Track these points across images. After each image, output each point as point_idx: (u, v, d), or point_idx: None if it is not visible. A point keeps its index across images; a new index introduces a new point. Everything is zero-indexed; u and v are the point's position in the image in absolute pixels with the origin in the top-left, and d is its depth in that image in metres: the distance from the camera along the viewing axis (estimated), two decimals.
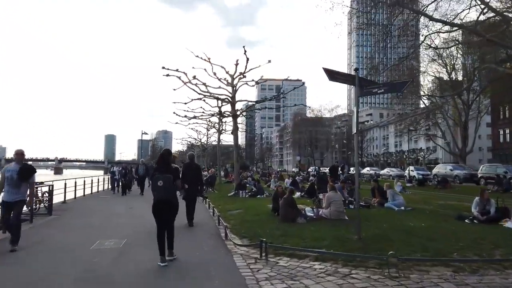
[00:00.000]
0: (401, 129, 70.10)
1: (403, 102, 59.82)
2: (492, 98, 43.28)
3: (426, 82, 43.14)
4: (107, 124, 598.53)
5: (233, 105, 18.17)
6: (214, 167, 49.43)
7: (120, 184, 18.46)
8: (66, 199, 15.61)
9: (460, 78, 39.86)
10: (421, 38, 22.68)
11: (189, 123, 27.48)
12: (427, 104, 45.18)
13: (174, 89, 18.91)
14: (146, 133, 35.29)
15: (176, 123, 26.68)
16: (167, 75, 16.91)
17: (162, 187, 5.39)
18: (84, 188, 18.68)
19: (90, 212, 12.15)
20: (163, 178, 5.43)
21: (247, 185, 19.19)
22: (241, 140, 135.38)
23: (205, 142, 40.01)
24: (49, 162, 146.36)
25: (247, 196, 16.66)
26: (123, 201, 15.27)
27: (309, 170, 66.43)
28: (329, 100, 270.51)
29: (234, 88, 18.09)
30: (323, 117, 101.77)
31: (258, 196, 16.50)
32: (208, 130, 31.44)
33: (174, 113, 19.43)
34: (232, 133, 19.09)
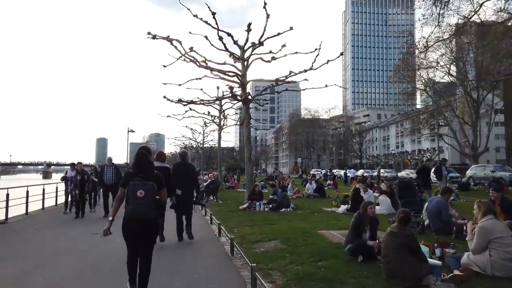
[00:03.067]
0: (409, 128, 66.65)
1: (407, 102, 56.99)
2: (506, 95, 40.25)
3: (434, 77, 41.30)
4: (99, 128, 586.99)
5: (243, 87, 13.45)
6: (209, 170, 44.60)
7: (74, 199, 11.29)
8: (10, 216, 10.88)
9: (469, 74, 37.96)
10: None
11: (183, 117, 22.75)
12: (430, 103, 43.11)
13: (165, 66, 14.06)
14: (133, 131, 30.46)
15: (168, 116, 21.94)
16: (154, 37, 12.13)
17: (143, 200, 3.70)
18: (43, 199, 13.81)
19: (23, 246, 7.34)
20: (145, 187, 3.76)
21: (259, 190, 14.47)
22: (235, 142, 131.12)
23: (201, 142, 35.07)
24: (39, 166, 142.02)
25: (267, 209, 11.95)
26: (77, 229, 9.11)
27: (312, 172, 62.01)
28: (326, 101, 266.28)
29: (246, 63, 13.40)
30: (320, 118, 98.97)
31: (283, 209, 11.79)
32: (206, 126, 26.66)
33: (164, 97, 14.54)
34: (241, 124, 14.35)
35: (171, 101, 14.51)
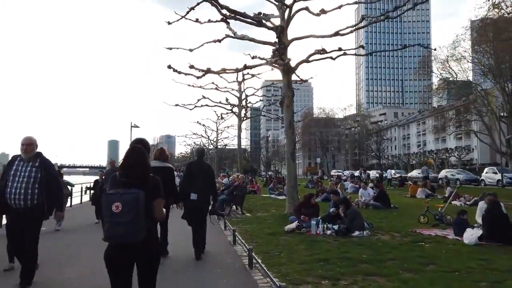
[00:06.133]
0: (438, 125, 62.06)
1: (436, 96, 53.32)
2: None
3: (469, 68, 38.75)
4: (111, 130, 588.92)
5: (282, 49, 9.11)
6: (220, 171, 40.41)
7: None
8: None
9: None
10: None
11: (194, 106, 18.59)
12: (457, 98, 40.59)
13: (170, 23, 9.79)
14: (138, 126, 26.35)
15: (176, 105, 17.78)
16: None
17: (120, 217, 2.48)
18: None
19: None
20: (123, 197, 2.52)
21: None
22: (246, 142, 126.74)
23: (215, 140, 30.85)
24: None
25: (329, 232, 7.54)
26: None
27: (333, 173, 57.18)
28: (339, 99, 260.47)
29: (289, 12, 9.10)
30: (334, 118, 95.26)
31: (356, 233, 7.36)
32: (221, 118, 22.32)
33: (169, 67, 10.17)
34: (279, 104, 10.05)
35: (179, 72, 10.26)
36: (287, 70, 9.50)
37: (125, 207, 2.51)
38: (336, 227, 7.59)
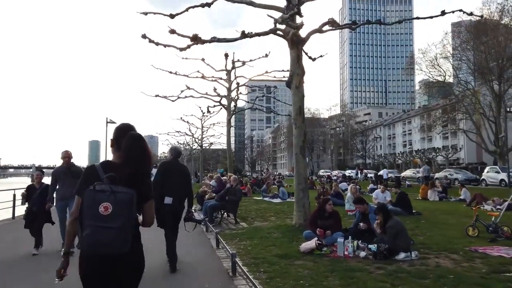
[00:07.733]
0: (425, 124, 61.52)
1: (426, 94, 53.00)
2: None
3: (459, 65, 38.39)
4: (92, 130, 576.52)
5: (295, 14, 7.02)
6: (204, 172, 38.38)
7: None
8: None
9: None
10: None
11: (177, 97, 16.38)
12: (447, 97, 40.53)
13: None
14: (114, 122, 23.89)
15: (157, 95, 15.44)
16: None
17: (108, 221, 2.00)
18: None
19: None
20: (115, 197, 2.03)
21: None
22: (231, 140, 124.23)
23: (200, 138, 28.55)
24: (30, 170, 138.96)
25: (362, 254, 5.46)
26: None
27: (322, 173, 55.49)
28: (324, 99, 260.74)
29: None
30: (320, 117, 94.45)
31: (402, 255, 5.30)
32: (208, 112, 20.00)
33: (143, 36, 7.69)
34: (286, 85, 7.94)
35: (157, 44, 7.95)
36: (297, 41, 7.41)
37: (116, 209, 2.01)
38: (374, 247, 5.51)
